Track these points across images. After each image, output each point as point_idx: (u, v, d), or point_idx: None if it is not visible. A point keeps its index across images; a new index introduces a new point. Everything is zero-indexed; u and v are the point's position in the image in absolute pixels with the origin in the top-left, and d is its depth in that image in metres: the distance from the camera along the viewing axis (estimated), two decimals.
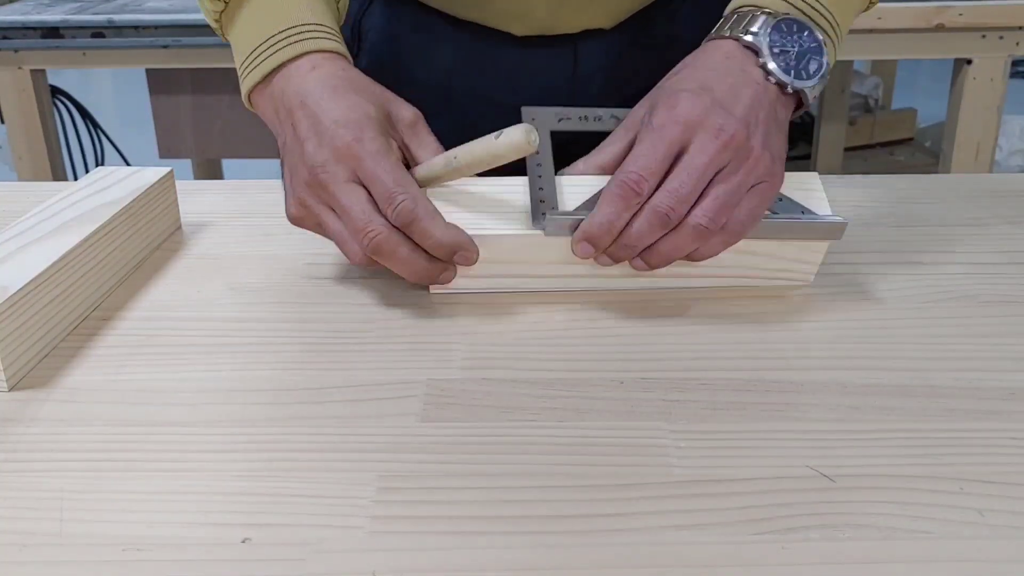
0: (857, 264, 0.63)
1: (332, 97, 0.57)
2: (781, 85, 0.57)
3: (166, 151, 2.22)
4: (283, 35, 0.60)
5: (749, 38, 0.58)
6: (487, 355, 0.53)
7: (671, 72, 0.60)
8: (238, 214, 0.74)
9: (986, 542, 0.39)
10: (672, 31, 0.81)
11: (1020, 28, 1.67)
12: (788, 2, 0.60)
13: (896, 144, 3.07)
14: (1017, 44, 1.68)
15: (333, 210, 0.56)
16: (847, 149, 2.78)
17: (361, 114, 0.56)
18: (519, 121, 0.56)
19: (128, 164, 0.79)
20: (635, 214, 0.54)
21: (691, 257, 0.56)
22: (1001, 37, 1.68)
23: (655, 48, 0.82)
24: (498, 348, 0.54)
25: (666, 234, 0.55)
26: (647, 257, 0.56)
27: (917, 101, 3.27)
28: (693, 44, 0.85)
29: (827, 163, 2.60)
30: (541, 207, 0.57)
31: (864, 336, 0.55)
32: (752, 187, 0.55)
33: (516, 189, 0.59)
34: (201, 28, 1.72)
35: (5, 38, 1.76)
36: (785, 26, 0.58)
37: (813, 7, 0.60)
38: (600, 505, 0.41)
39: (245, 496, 0.42)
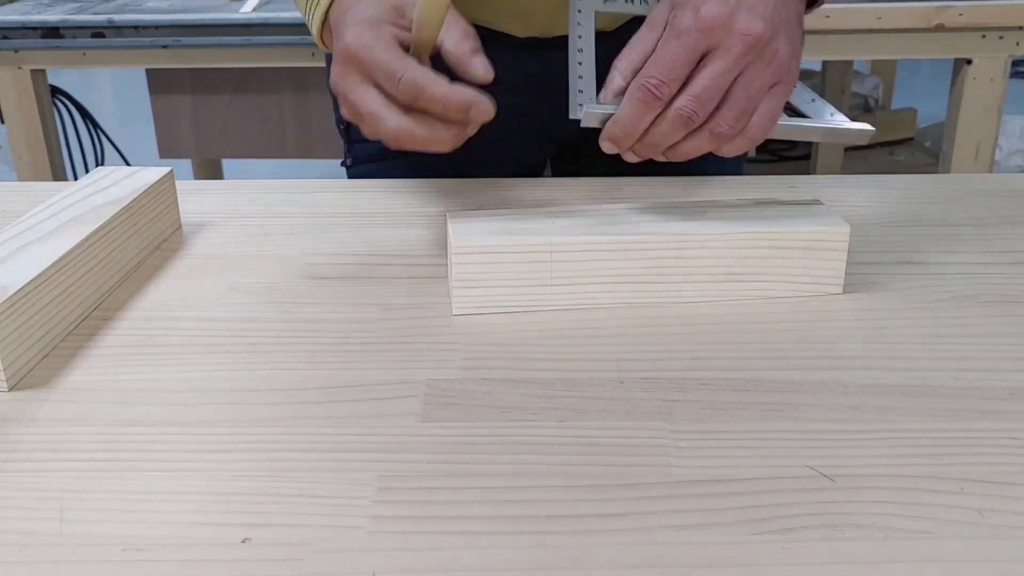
0: (857, 264, 0.63)
1: (356, 6, 0.59)
2: None
3: (166, 151, 2.22)
4: None
5: None
6: (487, 355, 0.53)
7: None
8: (238, 214, 0.74)
9: (986, 542, 0.39)
10: None
11: (1020, 28, 1.67)
12: None
13: (896, 144, 3.07)
14: (1017, 44, 1.68)
15: (368, 81, 0.57)
16: (847, 149, 2.78)
17: (371, 15, 0.57)
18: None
19: (128, 164, 0.79)
20: (659, 115, 0.55)
21: (720, 151, 0.58)
22: (1001, 37, 1.68)
23: None
24: (498, 348, 0.54)
25: (689, 135, 0.56)
26: (669, 154, 0.58)
27: (917, 101, 3.27)
28: None
29: (827, 163, 2.60)
30: (579, 97, 0.59)
31: (864, 336, 0.55)
32: (771, 87, 0.56)
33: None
34: (201, 28, 1.73)
35: (5, 38, 1.76)
36: None
37: None
38: (600, 505, 0.41)
39: (245, 496, 0.42)
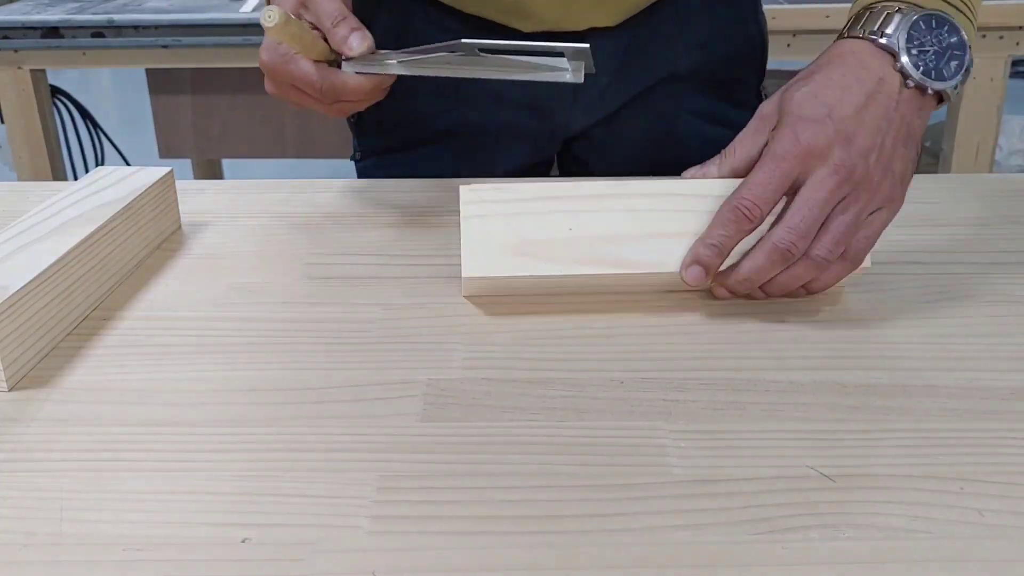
0: None
1: None
2: (921, 88, 0.55)
3: (166, 151, 2.22)
4: None
5: (884, 40, 0.56)
6: (487, 355, 0.53)
7: (803, 73, 0.58)
8: (238, 214, 0.74)
9: (986, 542, 0.39)
10: (676, 28, 0.82)
11: (1020, 28, 1.66)
12: None
13: None
14: (1017, 44, 1.68)
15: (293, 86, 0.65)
16: None
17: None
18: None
19: (128, 164, 0.79)
20: (754, 248, 0.55)
21: (809, 287, 0.57)
22: (1001, 37, 1.68)
23: (660, 44, 0.82)
24: (498, 348, 0.54)
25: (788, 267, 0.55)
26: (766, 288, 0.57)
27: None
28: (698, 41, 0.85)
29: None
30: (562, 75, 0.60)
31: (864, 336, 0.55)
32: (872, 213, 0.55)
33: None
34: (201, 28, 1.73)
35: (5, 38, 1.76)
36: (923, 23, 0.55)
37: (953, 4, 0.57)
38: (600, 505, 0.41)
39: (245, 496, 0.42)
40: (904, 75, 0.55)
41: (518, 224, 0.56)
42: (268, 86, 0.66)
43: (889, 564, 0.38)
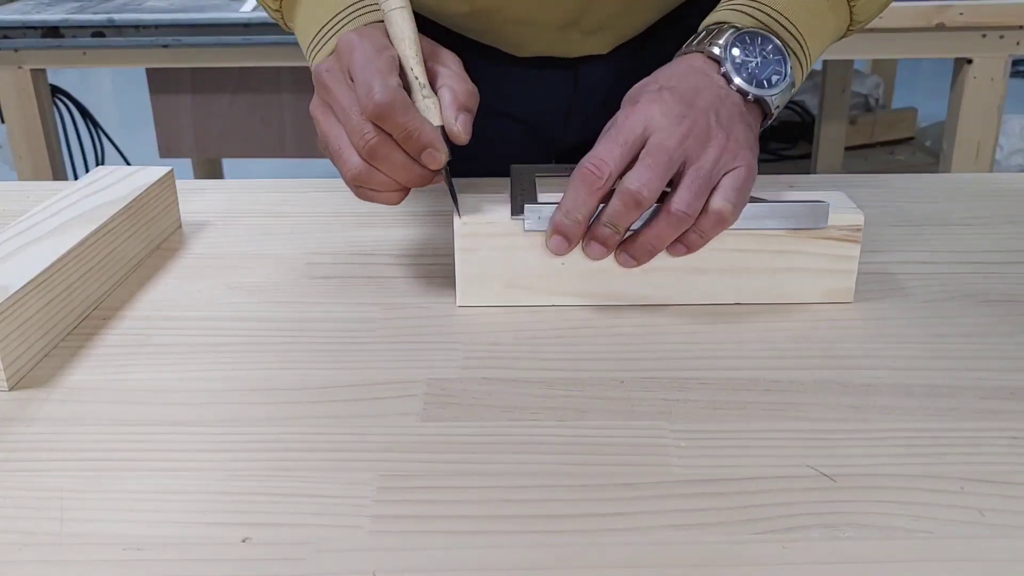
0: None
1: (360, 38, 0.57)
2: (743, 93, 0.58)
3: (166, 151, 2.22)
4: (344, 14, 0.61)
5: (715, 50, 0.59)
6: (487, 355, 0.53)
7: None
8: (238, 214, 0.74)
9: (986, 542, 0.39)
10: (668, 50, 0.82)
11: (1020, 27, 1.66)
12: (753, 17, 0.60)
13: (896, 143, 3.07)
14: (1017, 43, 1.68)
15: (335, 115, 0.56)
16: (847, 148, 2.78)
17: (375, 36, 0.56)
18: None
19: (128, 164, 0.79)
20: (608, 198, 0.54)
21: (677, 247, 0.56)
22: (1001, 36, 1.67)
23: (653, 63, 0.82)
24: (498, 348, 0.54)
25: (646, 225, 0.55)
26: (630, 249, 0.56)
27: (917, 100, 3.27)
28: None
29: (828, 162, 2.60)
30: (520, 199, 0.57)
31: (864, 336, 0.55)
32: (726, 173, 0.55)
33: None
34: (201, 28, 1.72)
35: (5, 37, 1.75)
36: (748, 38, 0.59)
37: (778, 22, 0.60)
38: (600, 505, 0.41)
39: (245, 496, 0.42)
40: (727, 79, 0.58)
41: (511, 257, 0.57)
42: (318, 112, 0.56)
43: (889, 564, 0.38)
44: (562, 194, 0.56)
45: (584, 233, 0.56)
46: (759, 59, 0.58)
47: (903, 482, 0.42)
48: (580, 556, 0.38)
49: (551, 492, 0.42)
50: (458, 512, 0.41)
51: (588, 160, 0.54)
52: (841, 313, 0.58)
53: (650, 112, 0.55)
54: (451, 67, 0.57)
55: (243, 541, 0.39)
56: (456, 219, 0.57)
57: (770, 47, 0.59)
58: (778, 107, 0.59)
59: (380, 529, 0.40)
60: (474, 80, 0.58)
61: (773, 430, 0.46)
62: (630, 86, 0.77)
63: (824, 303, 0.59)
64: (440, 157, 0.54)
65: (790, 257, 0.58)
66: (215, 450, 0.45)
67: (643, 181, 0.53)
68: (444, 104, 0.55)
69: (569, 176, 0.55)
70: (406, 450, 0.45)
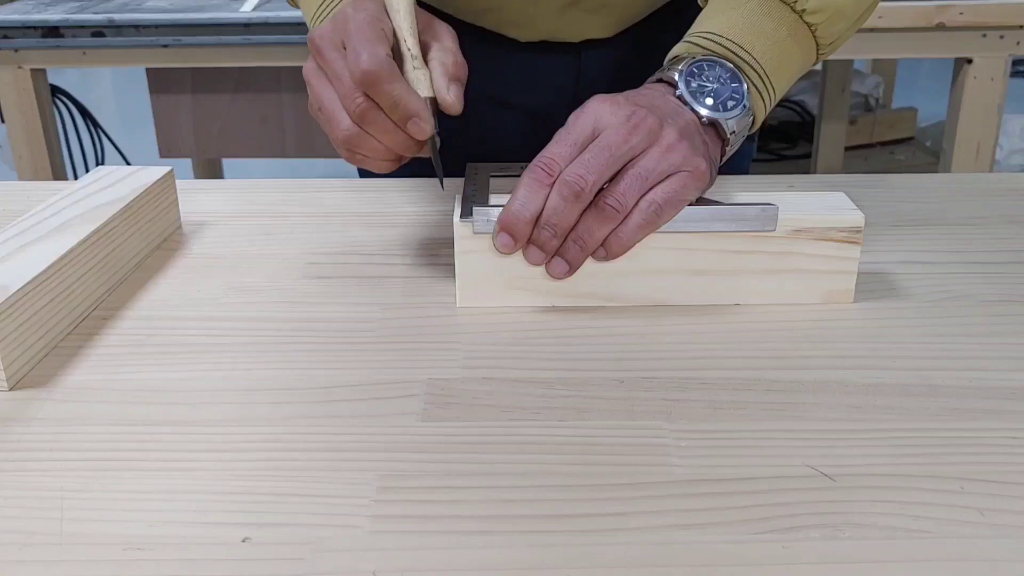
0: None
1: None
2: (697, 115, 0.58)
3: (166, 150, 2.22)
4: None
5: (673, 74, 0.59)
6: (487, 355, 0.53)
7: None
8: (238, 214, 0.74)
9: (987, 541, 0.39)
10: (672, 37, 0.82)
11: (1020, 27, 1.66)
12: (707, 48, 0.60)
13: (897, 143, 3.07)
14: (1018, 43, 1.68)
15: (328, 79, 0.57)
16: (848, 148, 2.78)
17: (371, 8, 0.57)
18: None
19: (128, 163, 0.79)
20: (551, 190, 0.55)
21: (608, 245, 0.56)
22: (1002, 36, 1.67)
23: (656, 53, 0.82)
24: (498, 348, 0.54)
25: (584, 215, 0.55)
26: (560, 249, 0.56)
27: (917, 100, 3.27)
28: None
29: (828, 162, 2.60)
30: (471, 202, 0.58)
31: (864, 335, 0.55)
32: (670, 175, 0.55)
33: None
34: (201, 27, 1.72)
35: (5, 37, 1.75)
36: (706, 65, 0.59)
37: (735, 53, 0.60)
38: (600, 505, 0.41)
39: (245, 496, 0.42)
40: (683, 101, 0.59)
41: (511, 257, 0.57)
42: (312, 76, 0.57)
43: (889, 564, 0.38)
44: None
45: (531, 233, 0.55)
46: (715, 85, 0.59)
47: (903, 482, 0.42)
48: (580, 556, 0.38)
49: (551, 492, 0.42)
50: (458, 512, 0.41)
51: (539, 159, 0.55)
52: (841, 313, 0.58)
53: (600, 111, 0.56)
54: (444, 41, 0.58)
55: (243, 541, 0.39)
56: (456, 219, 0.57)
57: (727, 74, 0.59)
58: (734, 132, 0.59)
59: (380, 529, 0.40)
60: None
61: (773, 430, 0.46)
62: (632, 75, 0.78)
63: (824, 303, 0.59)
64: (425, 128, 0.55)
65: (790, 258, 0.58)
66: (215, 450, 0.45)
67: (580, 173, 0.54)
68: (435, 75, 0.56)
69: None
70: (406, 450, 0.45)
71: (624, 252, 0.56)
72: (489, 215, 0.56)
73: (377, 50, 0.53)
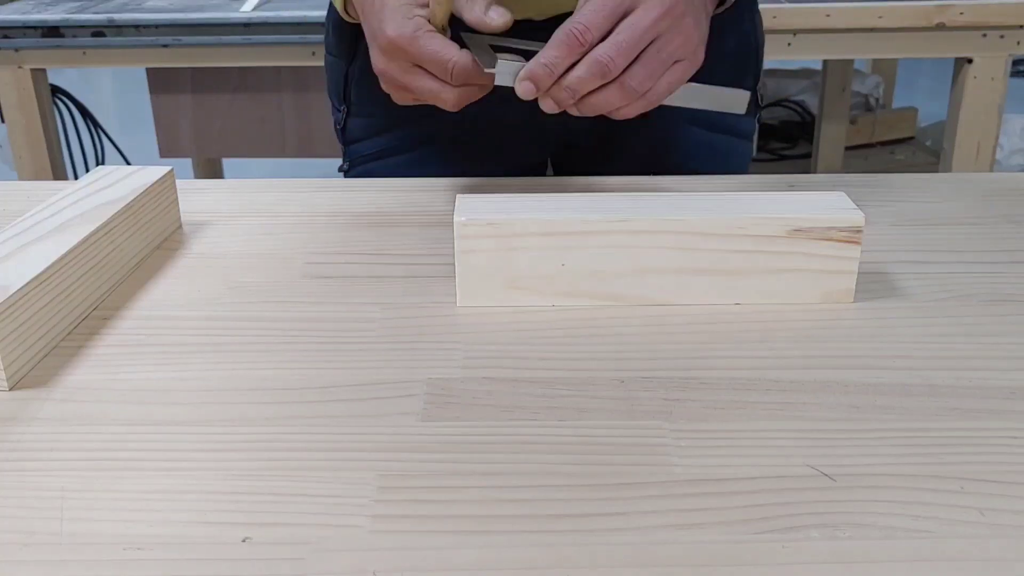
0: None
1: None
2: None
3: (166, 150, 2.22)
4: None
5: None
6: (487, 354, 0.53)
7: None
8: (238, 214, 0.74)
9: (987, 541, 0.39)
10: None
11: (1021, 27, 1.66)
12: None
13: (897, 143, 3.07)
14: (1018, 43, 1.68)
15: (418, 67, 0.62)
16: (848, 148, 2.78)
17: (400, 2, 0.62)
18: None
19: (128, 163, 0.79)
20: (577, 61, 0.58)
21: (614, 114, 0.61)
22: (1002, 36, 1.68)
23: None
24: (498, 347, 0.54)
25: (601, 87, 0.59)
26: (581, 106, 0.60)
27: (918, 100, 3.27)
28: None
29: (828, 162, 2.60)
30: (489, 57, 0.61)
31: (864, 335, 0.55)
32: (675, 62, 0.60)
33: None
34: (201, 27, 1.73)
35: (5, 37, 1.76)
36: None
37: None
38: (600, 505, 0.41)
39: (245, 496, 0.42)
40: None
41: (511, 257, 0.58)
42: (387, 72, 0.64)
43: (889, 564, 0.38)
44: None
45: (551, 87, 0.59)
46: None
47: (903, 482, 0.42)
48: (580, 556, 0.38)
49: (551, 492, 0.42)
50: (458, 512, 0.41)
51: (573, 23, 0.58)
52: (841, 313, 0.58)
53: None
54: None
55: (243, 541, 0.39)
56: (456, 219, 0.57)
57: None
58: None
59: (380, 529, 0.40)
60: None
61: (773, 430, 0.46)
62: None
63: (824, 303, 0.59)
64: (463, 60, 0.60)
65: (790, 258, 0.58)
66: (215, 450, 0.45)
67: (611, 55, 0.57)
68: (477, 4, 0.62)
69: (522, 50, 0.62)
70: (406, 450, 0.45)
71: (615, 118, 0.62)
72: (513, 69, 0.59)
73: (403, 24, 0.59)
